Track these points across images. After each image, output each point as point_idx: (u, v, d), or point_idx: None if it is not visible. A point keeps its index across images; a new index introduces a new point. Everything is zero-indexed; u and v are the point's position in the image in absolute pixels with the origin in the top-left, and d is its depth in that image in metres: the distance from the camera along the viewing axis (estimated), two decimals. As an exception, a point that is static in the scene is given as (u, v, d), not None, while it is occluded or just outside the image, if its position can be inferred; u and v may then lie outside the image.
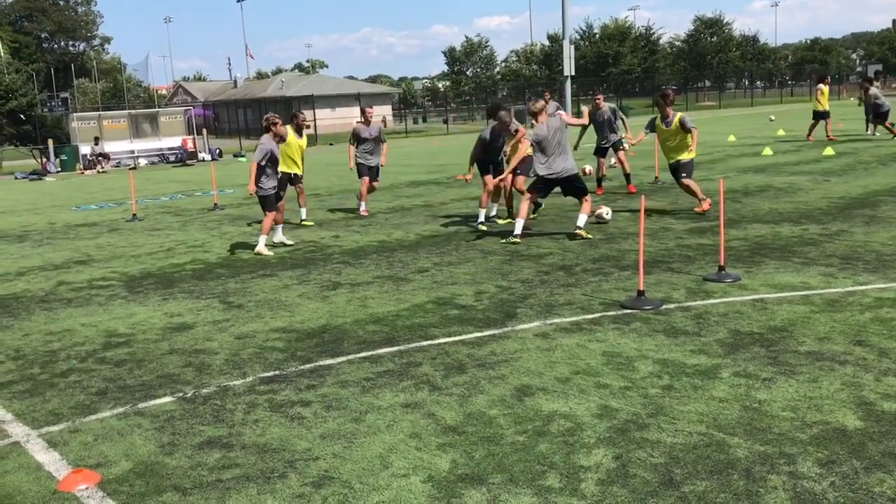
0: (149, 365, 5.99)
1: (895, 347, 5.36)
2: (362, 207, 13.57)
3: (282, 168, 11.31)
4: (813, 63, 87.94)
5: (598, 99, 15.11)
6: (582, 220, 10.04)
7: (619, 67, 68.48)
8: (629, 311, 6.62)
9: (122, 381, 5.66)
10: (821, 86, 22.51)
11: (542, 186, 10.22)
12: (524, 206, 10.15)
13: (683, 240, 9.53)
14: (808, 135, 22.66)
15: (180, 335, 6.76)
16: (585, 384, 5.04)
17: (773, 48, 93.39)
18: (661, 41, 78.12)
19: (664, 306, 6.69)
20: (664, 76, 77.64)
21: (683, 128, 11.08)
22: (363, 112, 13.51)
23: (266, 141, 10.30)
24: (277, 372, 5.64)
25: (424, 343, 6.09)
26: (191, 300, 8.03)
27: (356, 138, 13.22)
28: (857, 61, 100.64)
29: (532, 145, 10.09)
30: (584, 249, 9.31)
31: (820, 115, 22.20)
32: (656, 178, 15.62)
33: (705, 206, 11.20)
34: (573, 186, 10.16)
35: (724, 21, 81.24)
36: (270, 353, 6.08)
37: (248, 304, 7.68)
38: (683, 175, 11.27)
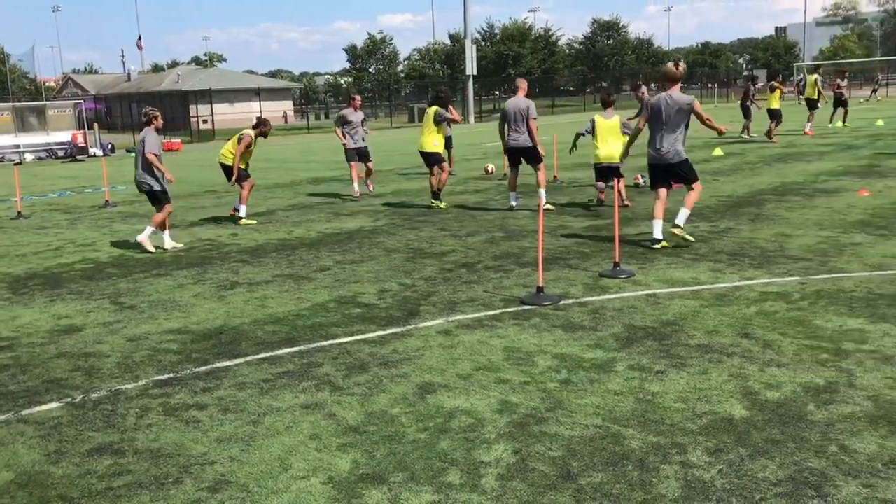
0: (34, 370, 5.70)
1: (777, 339, 5.63)
2: (355, 188, 14.61)
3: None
4: (703, 66, 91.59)
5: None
6: (681, 215, 8.98)
7: (519, 68, 69.42)
8: (529, 306, 6.73)
9: (4, 387, 5.37)
10: (773, 83, 23.30)
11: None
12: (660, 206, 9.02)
13: (581, 237, 9.76)
14: (768, 133, 22.87)
15: (68, 338, 6.47)
16: (486, 380, 5.09)
17: (666, 51, 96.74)
18: (559, 43, 79.70)
19: (562, 302, 6.83)
20: (563, 77, 79.29)
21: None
22: (352, 98, 15.33)
23: (146, 133, 10.17)
24: (172, 375, 5.47)
25: (326, 343, 6.03)
26: (80, 301, 7.69)
27: (343, 121, 14.71)
28: (744, 66, 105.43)
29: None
30: (485, 247, 9.41)
31: (772, 113, 22.55)
32: (555, 177, 15.94)
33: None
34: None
35: (621, 24, 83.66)
36: (164, 356, 5.88)
37: (141, 305, 7.42)
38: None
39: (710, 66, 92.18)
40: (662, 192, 9.04)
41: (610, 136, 11.77)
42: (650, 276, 7.62)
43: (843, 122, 26.59)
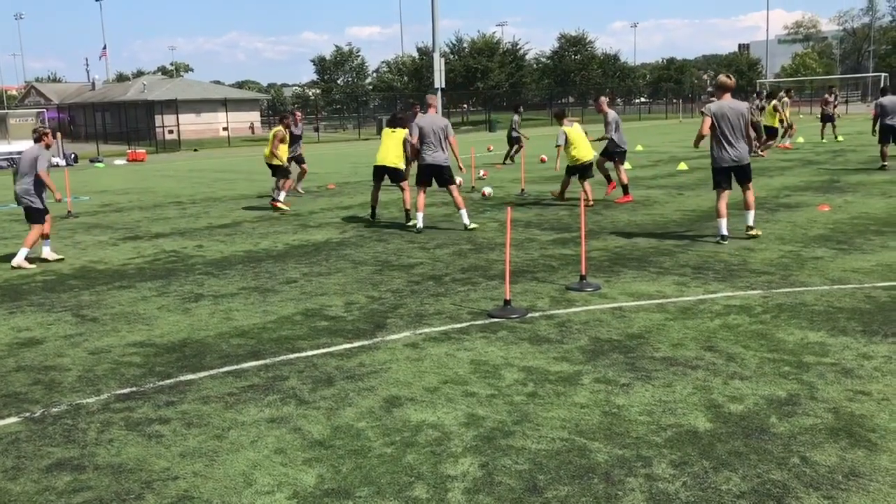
0: (-9, 384, 5.58)
1: (741, 352, 5.70)
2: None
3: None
4: (669, 82, 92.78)
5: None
6: (749, 217, 10.05)
7: (487, 82, 69.86)
8: (496, 319, 6.74)
9: (-40, 402, 5.25)
10: (785, 98, 23.49)
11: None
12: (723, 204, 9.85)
13: (547, 250, 9.81)
14: (781, 143, 23.28)
15: (28, 351, 6.34)
16: (453, 393, 5.09)
17: (632, 67, 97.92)
18: (527, 57, 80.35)
19: (529, 315, 6.85)
20: (530, 91, 79.85)
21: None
22: (293, 114, 17.28)
23: (39, 150, 10.22)
24: (134, 388, 5.39)
25: (292, 356, 5.98)
26: (41, 314, 7.56)
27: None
28: (708, 81, 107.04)
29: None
30: (453, 259, 9.42)
31: (768, 130, 22.83)
32: (522, 189, 16.03)
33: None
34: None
35: (587, 39, 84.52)
36: (127, 369, 5.80)
37: (104, 318, 7.31)
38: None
39: (674, 81, 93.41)
40: (727, 192, 9.91)
41: (581, 140, 13.58)
42: (616, 289, 7.68)
43: (835, 137, 26.86)
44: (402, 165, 12.50)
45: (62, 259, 10.38)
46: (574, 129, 13.66)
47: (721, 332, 6.20)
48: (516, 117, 23.69)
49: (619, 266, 8.70)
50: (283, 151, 14.91)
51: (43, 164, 10.10)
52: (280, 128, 15.04)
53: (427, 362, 5.71)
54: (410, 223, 12.11)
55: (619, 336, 6.18)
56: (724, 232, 9.79)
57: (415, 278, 8.48)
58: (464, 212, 11.63)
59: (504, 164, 23.23)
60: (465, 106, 78.49)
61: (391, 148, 12.44)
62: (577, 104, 78.37)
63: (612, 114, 14.11)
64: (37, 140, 10.42)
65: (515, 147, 23.23)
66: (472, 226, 11.59)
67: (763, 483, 3.79)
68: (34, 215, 10.20)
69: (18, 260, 10.01)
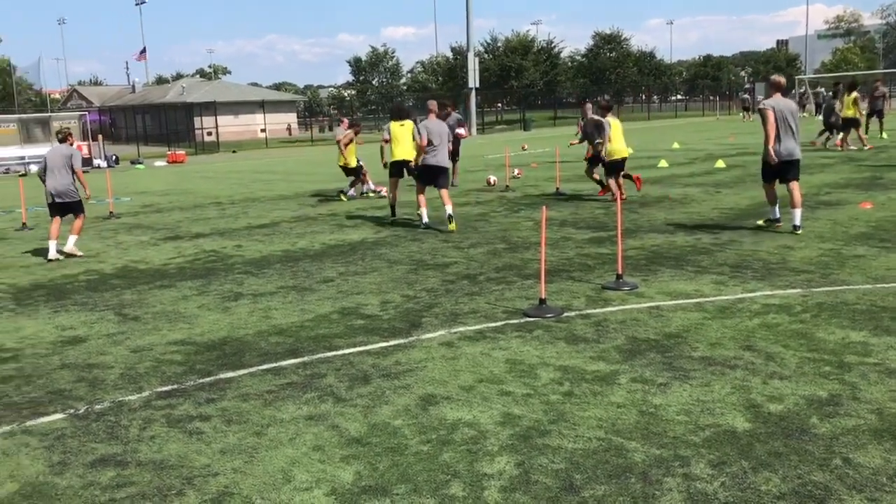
0: (38, 381, 5.72)
1: (780, 351, 5.63)
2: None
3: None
4: (705, 79, 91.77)
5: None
6: (797, 216, 10.18)
7: (521, 80, 69.67)
8: (531, 318, 6.73)
9: (8, 398, 5.39)
10: (854, 94, 23.10)
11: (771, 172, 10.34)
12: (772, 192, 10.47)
13: (583, 249, 9.77)
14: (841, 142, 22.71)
15: (72, 349, 6.48)
16: (489, 392, 5.09)
17: (668, 64, 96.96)
18: (561, 55, 79.95)
19: (565, 314, 6.84)
20: (565, 90, 79.46)
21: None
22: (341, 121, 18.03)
23: (71, 150, 11.14)
24: (175, 386, 5.48)
25: (329, 354, 6.04)
26: (84, 312, 7.71)
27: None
28: (746, 78, 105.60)
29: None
30: (488, 258, 9.42)
31: (851, 122, 22.46)
32: (557, 188, 15.97)
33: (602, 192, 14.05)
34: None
35: (622, 37, 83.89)
36: (168, 367, 5.90)
37: (145, 316, 7.44)
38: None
39: (711, 78, 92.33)
40: (775, 184, 10.34)
41: (619, 134, 13.69)
42: (653, 288, 7.62)
43: (881, 133, 25.84)
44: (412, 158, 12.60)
45: (82, 255, 10.95)
46: (616, 123, 13.77)
47: (760, 331, 6.13)
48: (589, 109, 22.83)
49: (656, 265, 8.64)
50: (351, 152, 16.29)
51: (79, 163, 11.06)
52: (346, 132, 16.30)
53: (462, 361, 5.72)
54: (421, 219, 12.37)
55: (657, 335, 6.14)
56: (777, 216, 10.45)
57: (449, 277, 8.50)
58: (449, 207, 11.80)
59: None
60: (500, 105, 78.35)
61: (407, 141, 12.64)
62: (613, 102, 77.86)
63: (594, 119, 14.11)
64: (62, 140, 11.30)
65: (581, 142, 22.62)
66: (452, 227, 11.58)
67: (804, 484, 3.75)
68: (77, 207, 11.18)
69: (70, 247, 10.96)
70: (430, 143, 11.72)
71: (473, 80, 49.57)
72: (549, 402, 4.88)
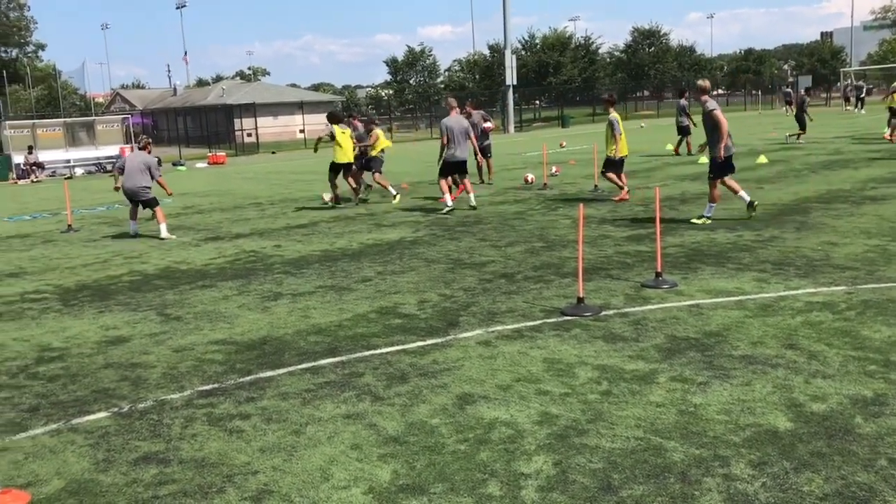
0: (83, 380, 5.84)
1: (823, 350, 5.53)
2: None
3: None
4: (747, 73, 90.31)
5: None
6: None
7: (559, 77, 69.27)
8: (569, 317, 6.70)
9: (54, 396, 5.51)
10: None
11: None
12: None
13: (622, 247, 9.70)
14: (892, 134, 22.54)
15: (116, 349, 6.61)
16: (526, 391, 5.08)
17: (709, 59, 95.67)
18: (600, 51, 79.35)
19: (603, 313, 6.79)
20: (604, 86, 78.85)
21: (609, 127, 13.64)
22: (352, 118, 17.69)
23: (149, 158, 13.12)
24: (216, 385, 5.56)
25: (367, 353, 6.08)
26: (127, 313, 7.86)
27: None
28: (789, 72, 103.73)
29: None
30: (525, 257, 9.40)
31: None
32: (595, 185, 15.86)
33: (623, 195, 13.70)
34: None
35: (661, 32, 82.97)
36: (209, 366, 5.98)
37: (187, 316, 7.55)
38: (602, 169, 14.01)
39: (753, 72, 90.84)
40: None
41: (623, 132, 13.79)
42: (693, 286, 7.54)
43: None
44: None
45: (175, 237, 12.69)
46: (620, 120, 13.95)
47: (803, 329, 6.03)
48: (684, 102, 21.99)
49: (696, 262, 8.54)
50: (383, 142, 16.55)
51: (158, 171, 13.09)
52: (378, 130, 16.77)
53: (500, 360, 5.72)
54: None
55: (697, 334, 6.07)
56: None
57: (487, 276, 8.49)
58: (472, 195, 13.81)
59: (677, 154, 22.25)
60: (537, 102, 78.02)
61: (348, 145, 15.00)
62: (652, 98, 77.13)
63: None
64: (142, 148, 13.37)
65: (681, 139, 22.07)
66: (474, 203, 13.65)
67: (847, 485, 3.68)
68: (150, 203, 12.98)
69: (164, 233, 12.75)
70: (450, 139, 13.09)
71: (511, 77, 49.43)
72: (587, 402, 4.85)
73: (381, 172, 16.25)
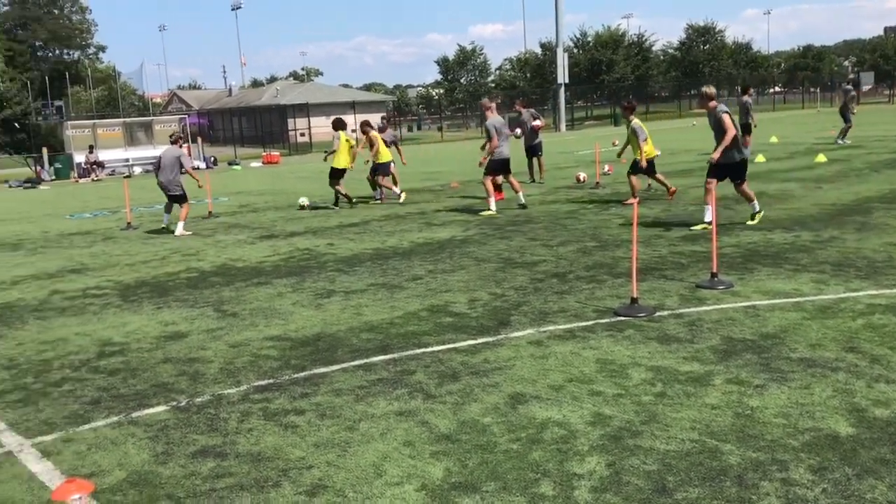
0: (143, 374, 5.99)
1: (887, 354, 5.39)
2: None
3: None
4: (805, 70, 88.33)
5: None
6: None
7: (612, 75, 68.61)
8: (623, 318, 6.64)
9: (115, 390, 5.66)
10: None
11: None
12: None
13: (676, 247, 9.57)
14: None
15: (174, 344, 6.76)
16: (579, 392, 5.05)
17: (765, 56, 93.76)
18: (653, 49, 78.32)
19: (657, 313, 6.71)
20: (657, 84, 77.81)
21: (634, 133, 13.54)
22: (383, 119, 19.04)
23: (181, 151, 13.98)
24: (271, 380, 5.64)
25: (418, 351, 6.11)
26: (185, 308, 8.02)
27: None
28: (850, 68, 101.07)
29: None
30: (577, 257, 9.34)
31: None
32: (649, 185, 15.66)
33: (631, 200, 12.91)
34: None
35: (717, 29, 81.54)
36: (264, 362, 6.08)
37: (243, 313, 7.68)
38: (629, 171, 13.72)
39: (812, 69, 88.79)
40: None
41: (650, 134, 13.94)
42: (749, 287, 7.40)
43: None
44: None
45: (191, 234, 13.32)
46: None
47: (864, 332, 5.88)
48: (747, 99, 21.24)
49: (752, 263, 8.38)
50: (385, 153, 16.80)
51: (189, 163, 13.88)
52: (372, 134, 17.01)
53: (552, 360, 5.69)
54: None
55: (753, 336, 5.96)
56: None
57: (538, 276, 8.46)
58: (521, 194, 14.00)
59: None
60: (589, 100, 77.36)
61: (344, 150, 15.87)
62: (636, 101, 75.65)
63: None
64: (174, 143, 14.12)
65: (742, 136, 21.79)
66: (524, 201, 13.86)
67: (912, 493, 3.58)
68: (181, 198, 13.71)
69: (179, 231, 13.32)
70: (497, 137, 13.32)
71: (563, 75, 49.15)
72: (640, 403, 4.80)
73: (386, 175, 16.66)
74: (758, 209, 10.81)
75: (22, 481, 4.28)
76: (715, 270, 7.63)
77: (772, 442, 4.16)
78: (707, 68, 78.27)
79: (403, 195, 16.38)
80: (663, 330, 6.25)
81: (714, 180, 10.22)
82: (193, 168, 14.13)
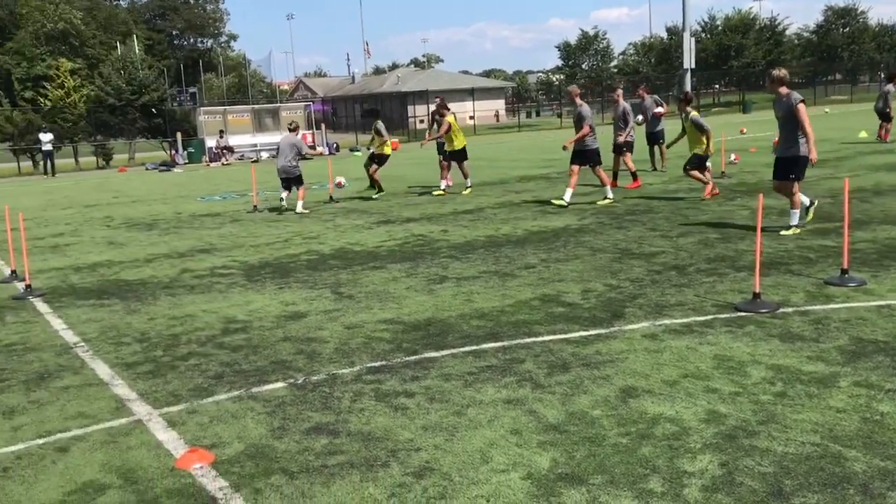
0: (263, 351, 6.23)
1: None
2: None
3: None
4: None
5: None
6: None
7: (741, 60, 65.93)
8: (743, 313, 6.40)
9: (237, 365, 5.91)
10: None
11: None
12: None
13: (804, 241, 9.12)
14: None
15: (294, 323, 6.99)
16: (693, 388, 4.91)
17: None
18: (787, 33, 74.72)
19: (781, 310, 6.43)
20: (790, 69, 74.29)
21: (696, 126, 12.59)
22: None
23: (297, 138, 15.08)
24: (384, 362, 5.76)
25: (528, 340, 6.08)
26: (305, 290, 8.28)
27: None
28: None
29: None
30: (698, 249, 9.05)
31: None
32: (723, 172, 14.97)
33: (708, 190, 12.92)
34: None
35: (859, 10, 76.95)
36: (378, 344, 6.20)
37: (359, 295, 7.86)
38: (687, 167, 12.78)
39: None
40: None
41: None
42: (884, 285, 6.98)
43: None
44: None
45: (309, 212, 14.54)
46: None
47: None
48: (892, 87, 20.42)
49: (888, 260, 7.90)
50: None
51: (306, 148, 15.67)
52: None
53: (666, 354, 5.55)
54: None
55: (886, 337, 5.62)
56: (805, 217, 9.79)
57: (656, 267, 8.25)
58: (608, 188, 13.47)
59: (886, 141, 20.49)
60: (717, 86, 74.70)
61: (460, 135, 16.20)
62: (845, 81, 71.78)
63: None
64: (292, 130, 15.31)
65: (880, 125, 20.49)
66: (611, 196, 13.31)
67: None
68: (298, 180, 14.89)
69: (299, 209, 14.56)
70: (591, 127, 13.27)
71: (689, 60, 47.55)
72: (758, 402, 4.62)
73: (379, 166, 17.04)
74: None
75: (150, 448, 4.54)
76: (846, 266, 7.23)
77: (902, 450, 3.92)
78: (846, 52, 74.08)
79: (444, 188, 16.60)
80: (787, 327, 5.98)
81: (798, 183, 9.46)
82: (311, 148, 15.64)
